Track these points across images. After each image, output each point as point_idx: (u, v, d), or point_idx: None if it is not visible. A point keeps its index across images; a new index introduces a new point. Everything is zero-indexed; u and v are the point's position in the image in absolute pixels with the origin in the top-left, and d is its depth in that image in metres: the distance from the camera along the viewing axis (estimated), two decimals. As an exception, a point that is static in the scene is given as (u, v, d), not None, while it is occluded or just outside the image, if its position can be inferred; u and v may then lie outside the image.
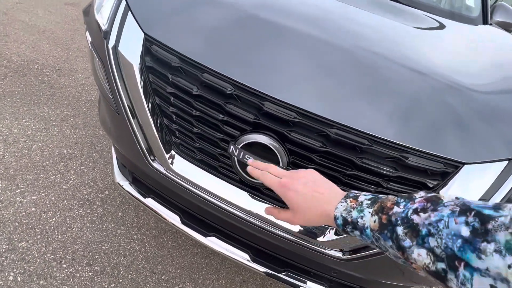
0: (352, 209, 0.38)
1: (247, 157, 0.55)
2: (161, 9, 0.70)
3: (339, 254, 0.68)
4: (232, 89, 0.57)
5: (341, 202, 0.40)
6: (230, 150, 0.59)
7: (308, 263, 0.81)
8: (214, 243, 0.88)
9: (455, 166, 0.54)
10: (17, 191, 1.23)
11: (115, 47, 0.67)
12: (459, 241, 0.25)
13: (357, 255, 0.65)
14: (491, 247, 0.23)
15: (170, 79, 0.61)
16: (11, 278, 0.97)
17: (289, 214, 0.46)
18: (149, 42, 0.65)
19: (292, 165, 0.58)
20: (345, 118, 0.54)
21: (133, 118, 0.70)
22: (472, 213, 0.26)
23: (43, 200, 1.23)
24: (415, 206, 0.31)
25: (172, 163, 0.72)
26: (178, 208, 0.92)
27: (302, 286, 0.84)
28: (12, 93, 1.73)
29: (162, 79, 0.63)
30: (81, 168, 1.42)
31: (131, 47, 0.65)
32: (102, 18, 0.73)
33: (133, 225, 1.25)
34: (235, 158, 0.60)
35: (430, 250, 0.27)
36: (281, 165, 0.57)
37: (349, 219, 0.37)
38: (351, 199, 0.39)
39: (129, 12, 0.69)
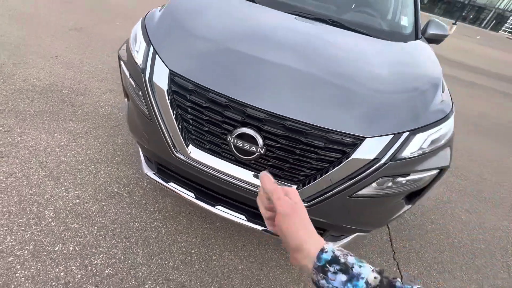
0: (348, 255, 0.36)
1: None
2: (178, 52, 1.08)
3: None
4: (227, 102, 0.95)
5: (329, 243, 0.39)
6: (228, 139, 0.96)
7: None
8: (220, 210, 1.24)
9: (361, 139, 0.93)
10: (62, 188, 1.57)
11: (150, 79, 1.04)
12: None
13: (313, 201, 1.02)
14: None
15: (188, 98, 0.99)
16: (71, 248, 1.31)
17: (275, 216, 0.43)
18: (172, 75, 1.02)
19: (266, 145, 0.96)
20: (294, 115, 0.92)
21: (163, 124, 1.07)
22: None
23: (83, 194, 1.57)
24: None
25: (190, 152, 1.08)
26: (192, 188, 1.28)
27: None
28: (42, 113, 2.08)
29: (182, 97, 1.01)
30: (108, 169, 1.77)
31: (161, 78, 1.03)
32: (138, 58, 1.11)
33: (155, 209, 1.60)
34: (232, 144, 0.97)
35: None
36: (259, 145, 0.95)
37: (342, 260, 0.35)
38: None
39: (157, 55, 1.07)
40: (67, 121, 2.06)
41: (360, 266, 0.35)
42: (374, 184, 0.98)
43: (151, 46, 1.10)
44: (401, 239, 1.84)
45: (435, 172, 1.07)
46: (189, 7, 1.37)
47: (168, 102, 1.02)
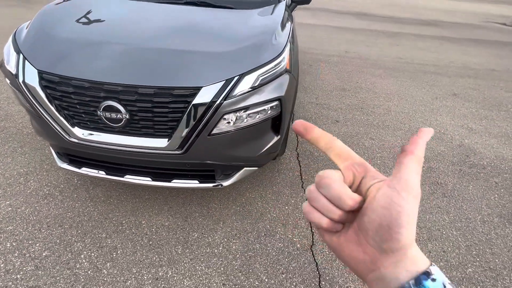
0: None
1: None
2: (44, 53, 1.28)
3: (179, 152, 1.32)
4: (88, 84, 1.18)
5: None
6: (98, 113, 1.20)
7: (175, 166, 1.45)
8: (130, 178, 1.49)
9: (198, 89, 1.21)
10: (-7, 202, 1.73)
11: (24, 81, 1.24)
12: None
13: (185, 148, 1.30)
14: None
15: (57, 89, 1.20)
16: (8, 245, 1.50)
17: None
18: (40, 73, 1.22)
19: (129, 111, 1.21)
20: (143, 82, 1.17)
21: (48, 116, 1.28)
22: None
23: (15, 202, 1.74)
24: None
25: (78, 134, 1.31)
26: (101, 167, 1.51)
27: (192, 182, 1.48)
28: (-37, 144, 2.15)
29: (53, 89, 1.22)
30: (37, 178, 1.93)
31: (32, 78, 1.23)
32: (11, 67, 1.29)
33: (86, 199, 1.81)
34: (103, 117, 1.21)
35: None
36: (122, 112, 1.19)
37: None
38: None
39: (26, 60, 1.26)
40: (-9, 146, 2.16)
41: None
42: (224, 121, 1.27)
43: (21, 54, 1.29)
44: (310, 171, 2.20)
45: (275, 103, 1.38)
46: (53, 16, 1.57)
47: (44, 97, 1.23)
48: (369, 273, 0.26)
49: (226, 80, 1.24)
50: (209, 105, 1.21)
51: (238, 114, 1.28)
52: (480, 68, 5.01)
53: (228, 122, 1.28)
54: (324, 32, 6.29)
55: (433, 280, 0.22)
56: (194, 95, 1.20)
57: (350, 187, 0.27)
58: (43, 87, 1.22)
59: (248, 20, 1.68)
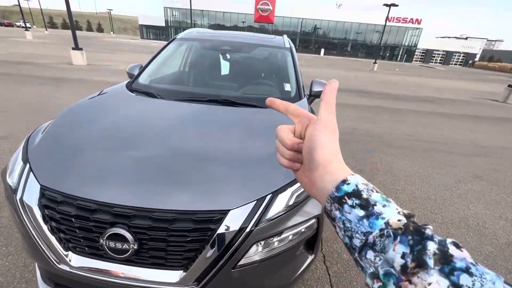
0: (374, 191, 0.31)
1: None
2: (53, 166, 1.14)
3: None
4: (94, 206, 0.99)
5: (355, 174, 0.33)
6: (101, 242, 0.97)
7: None
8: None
9: (224, 213, 1.01)
10: None
11: (21, 198, 1.06)
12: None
13: (203, 282, 1.02)
14: None
15: (57, 209, 1.01)
16: None
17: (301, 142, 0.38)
18: (43, 189, 1.06)
19: (139, 240, 0.99)
20: (158, 204, 0.99)
21: (39, 239, 1.05)
22: None
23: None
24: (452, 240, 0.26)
25: (71, 261, 1.05)
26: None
27: None
28: None
29: (53, 210, 1.03)
30: (13, 292, 1.57)
31: (32, 196, 1.05)
32: (12, 179, 1.14)
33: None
34: (105, 246, 0.98)
35: (454, 285, 0.23)
36: (130, 241, 0.97)
37: (365, 196, 0.30)
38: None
39: (31, 172, 1.12)
40: (-28, 245, 1.87)
41: (384, 206, 0.30)
42: (252, 251, 1.03)
43: (28, 164, 1.16)
44: (342, 283, 1.82)
45: (312, 221, 1.16)
46: (74, 120, 1.50)
47: (40, 217, 1.04)
48: (313, 190, 0.36)
49: (257, 200, 1.05)
50: (237, 232, 0.99)
51: (269, 240, 1.05)
52: (491, 146, 4.97)
53: (258, 251, 1.04)
54: (329, 109, 6.58)
55: (348, 184, 0.32)
56: (219, 220, 1.00)
57: (301, 134, 0.39)
58: (42, 206, 1.04)
59: (275, 123, 1.60)
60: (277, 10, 46.05)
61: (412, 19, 46.18)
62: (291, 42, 2.71)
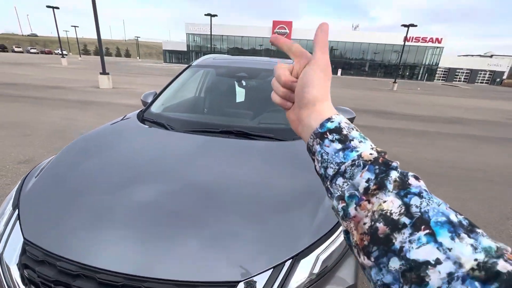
0: (354, 129, 0.34)
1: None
2: (41, 216, 1.01)
3: None
4: (76, 269, 0.82)
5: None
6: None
7: None
8: None
9: (233, 285, 0.80)
10: None
11: (1, 255, 0.92)
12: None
13: None
14: None
15: (36, 270, 0.85)
16: None
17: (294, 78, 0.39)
18: (26, 244, 0.91)
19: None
20: (153, 272, 0.80)
21: (17, 304, 0.89)
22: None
23: None
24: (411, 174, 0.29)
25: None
26: None
27: None
28: None
29: (33, 270, 0.87)
30: None
31: (12, 252, 0.91)
32: None
33: None
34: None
35: (405, 204, 0.26)
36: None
37: (344, 132, 0.33)
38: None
39: (18, 221, 0.98)
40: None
41: (360, 141, 0.33)
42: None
43: (17, 210, 1.03)
44: None
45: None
46: (73, 158, 1.38)
47: (18, 279, 0.88)
48: (299, 127, 0.38)
49: (273, 267, 0.84)
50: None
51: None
52: (539, 175, 4.40)
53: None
54: (349, 132, 6.29)
55: (332, 121, 0.34)
56: (230, 293, 0.79)
57: (297, 74, 0.39)
58: (22, 266, 0.89)
59: (295, 160, 1.40)
60: (293, 33, 47.46)
61: (432, 38, 45.47)
62: None
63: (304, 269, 0.86)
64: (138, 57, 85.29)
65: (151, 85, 13.26)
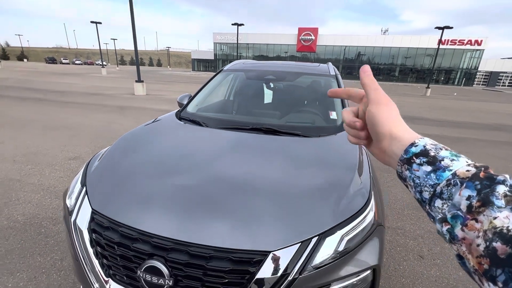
0: (443, 149, 0.33)
1: None
2: (105, 190, 1.21)
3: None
4: (135, 235, 0.99)
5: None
6: (138, 274, 0.95)
7: None
8: None
9: (264, 254, 0.90)
10: None
11: (75, 221, 1.13)
12: None
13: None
14: None
15: (103, 234, 1.04)
16: None
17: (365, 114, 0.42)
18: (93, 213, 1.11)
19: (174, 276, 0.93)
20: (195, 239, 0.94)
21: (85, 263, 1.08)
22: None
23: None
24: None
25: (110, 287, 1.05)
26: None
27: None
28: (12, 251, 2.11)
29: (100, 234, 1.06)
30: (60, 309, 1.64)
31: (84, 219, 1.11)
32: (70, 201, 1.23)
33: None
34: (142, 279, 0.95)
35: None
36: (166, 276, 0.92)
37: (432, 154, 0.33)
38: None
39: (86, 196, 1.19)
40: (35, 256, 2.07)
41: (452, 160, 0.32)
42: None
43: (85, 187, 1.25)
44: None
45: (367, 273, 0.98)
46: (127, 146, 1.60)
47: (87, 241, 1.07)
48: (385, 158, 0.40)
49: (301, 242, 0.93)
50: (278, 279, 0.87)
51: (316, 293, 0.90)
52: None
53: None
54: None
55: (416, 146, 0.35)
56: (259, 263, 0.90)
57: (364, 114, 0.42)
58: (91, 230, 1.08)
59: (321, 153, 1.50)
60: (319, 39, 47.13)
61: (470, 40, 42.46)
62: (336, 69, 2.64)
63: (329, 246, 0.94)
64: (168, 66, 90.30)
65: (179, 91, 14.00)
